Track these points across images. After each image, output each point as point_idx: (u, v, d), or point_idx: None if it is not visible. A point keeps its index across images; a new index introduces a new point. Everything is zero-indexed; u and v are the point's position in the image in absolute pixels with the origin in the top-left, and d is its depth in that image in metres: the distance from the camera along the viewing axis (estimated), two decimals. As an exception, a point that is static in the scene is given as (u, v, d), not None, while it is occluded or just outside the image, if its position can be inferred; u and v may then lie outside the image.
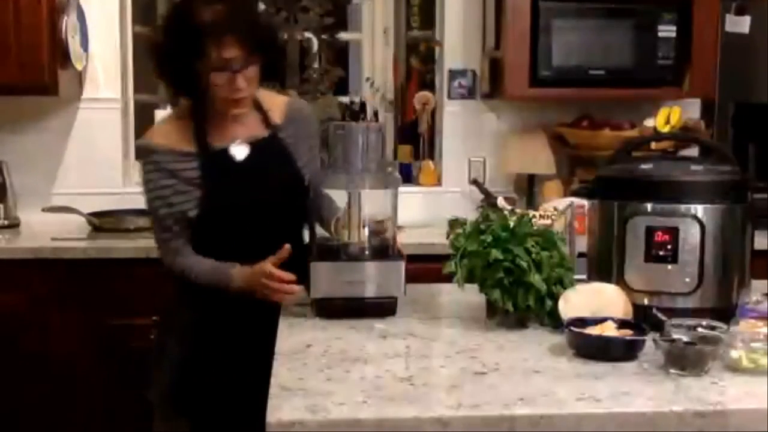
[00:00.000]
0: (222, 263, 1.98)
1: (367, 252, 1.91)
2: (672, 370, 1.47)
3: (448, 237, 1.89)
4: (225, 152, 2.02)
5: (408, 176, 3.55)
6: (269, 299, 1.91)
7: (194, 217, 1.98)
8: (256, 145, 2.04)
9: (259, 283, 1.90)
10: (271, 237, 1.95)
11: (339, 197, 1.97)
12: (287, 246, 1.89)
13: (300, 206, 2.02)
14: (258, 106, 2.07)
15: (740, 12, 3.24)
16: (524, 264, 1.72)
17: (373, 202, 1.93)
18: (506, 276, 1.72)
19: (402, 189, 2.00)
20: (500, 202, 2.15)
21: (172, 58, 1.95)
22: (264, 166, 2.04)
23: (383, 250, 1.92)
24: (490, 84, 3.41)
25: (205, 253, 2.01)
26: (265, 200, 2.02)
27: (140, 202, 3.29)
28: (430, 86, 3.70)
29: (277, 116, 2.10)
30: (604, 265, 1.83)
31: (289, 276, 1.88)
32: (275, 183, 2.04)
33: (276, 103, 2.13)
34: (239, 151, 2.03)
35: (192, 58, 1.90)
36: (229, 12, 1.91)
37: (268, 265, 1.89)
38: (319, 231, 2.00)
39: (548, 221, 2.08)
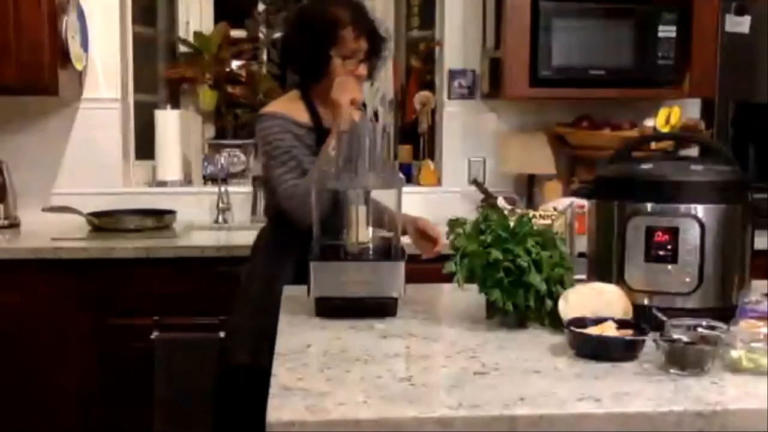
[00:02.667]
0: None
1: (368, 252, 1.91)
2: (672, 370, 1.47)
3: (448, 237, 1.89)
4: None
5: (408, 176, 3.56)
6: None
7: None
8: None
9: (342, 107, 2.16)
10: None
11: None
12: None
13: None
14: None
15: (740, 12, 3.24)
16: (524, 264, 1.72)
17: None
18: (506, 276, 1.72)
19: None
20: (500, 202, 2.15)
21: (307, 46, 2.28)
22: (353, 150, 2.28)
23: (384, 250, 1.92)
24: (490, 84, 3.41)
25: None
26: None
27: (140, 202, 3.33)
28: (430, 86, 3.70)
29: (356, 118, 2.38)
30: (604, 265, 1.83)
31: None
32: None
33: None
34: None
35: (326, 46, 2.26)
36: (361, 11, 2.32)
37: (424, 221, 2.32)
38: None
39: (548, 221, 2.08)
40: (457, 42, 3.51)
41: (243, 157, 3.57)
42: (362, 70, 2.32)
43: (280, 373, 1.47)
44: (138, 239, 2.94)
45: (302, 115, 2.32)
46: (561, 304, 1.73)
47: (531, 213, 2.08)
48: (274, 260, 2.34)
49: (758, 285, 1.81)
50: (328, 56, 2.27)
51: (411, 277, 1.90)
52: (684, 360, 1.47)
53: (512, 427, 1.29)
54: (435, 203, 3.40)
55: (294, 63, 2.42)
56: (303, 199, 2.06)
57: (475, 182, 3.44)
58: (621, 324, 1.62)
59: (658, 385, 1.42)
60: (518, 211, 2.09)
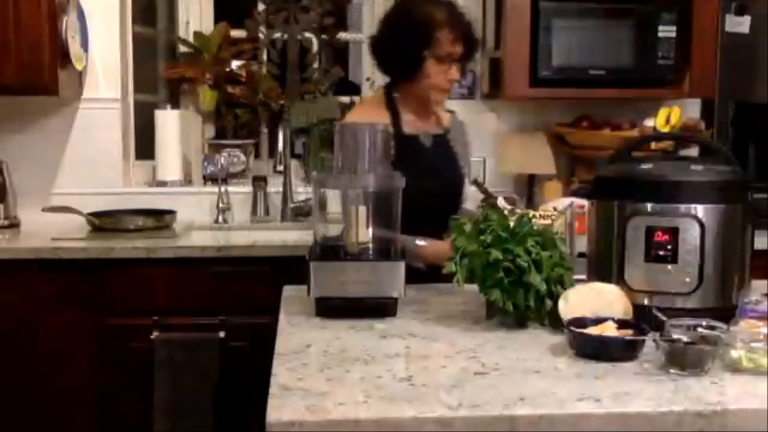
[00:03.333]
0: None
1: (368, 252, 1.91)
2: (672, 370, 1.47)
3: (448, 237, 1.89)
4: (416, 138, 2.36)
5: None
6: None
7: None
8: (435, 138, 2.40)
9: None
10: (431, 223, 2.17)
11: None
12: None
13: (455, 203, 2.36)
14: (431, 110, 2.41)
15: (740, 12, 3.23)
16: (524, 264, 1.72)
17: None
18: (506, 276, 1.72)
19: (402, 189, 2.00)
20: (500, 202, 2.14)
21: (400, 46, 2.28)
22: (443, 157, 2.41)
23: (384, 250, 1.92)
24: (490, 84, 3.41)
25: None
26: (442, 186, 2.34)
27: (140, 202, 3.33)
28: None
29: (445, 122, 2.47)
30: (604, 265, 1.83)
31: None
32: (450, 174, 2.41)
33: (443, 113, 2.47)
34: (426, 140, 2.39)
35: (420, 46, 2.25)
36: (458, 12, 2.31)
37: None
38: (321, 230, 2.00)
39: (548, 221, 2.08)
40: (457, 42, 3.51)
41: (243, 157, 3.57)
42: (454, 72, 2.31)
43: (280, 373, 1.47)
44: (138, 239, 2.93)
45: (381, 122, 2.28)
46: (561, 304, 1.73)
47: (531, 213, 2.08)
48: None
49: (758, 285, 1.81)
50: (422, 57, 2.26)
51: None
52: (684, 360, 1.47)
53: (512, 427, 1.29)
54: (435, 203, 3.40)
55: (385, 62, 2.39)
56: None
57: (475, 182, 3.43)
58: (621, 324, 1.62)
59: (658, 385, 1.42)
60: (518, 211, 2.09)
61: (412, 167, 2.18)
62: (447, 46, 2.27)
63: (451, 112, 2.55)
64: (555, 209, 2.13)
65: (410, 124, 2.37)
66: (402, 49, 2.29)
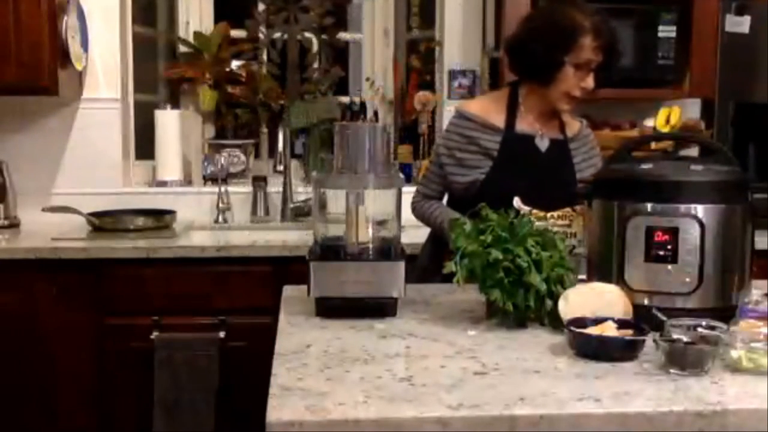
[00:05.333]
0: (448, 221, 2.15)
1: (368, 252, 1.91)
2: (672, 370, 1.47)
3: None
4: (530, 138, 2.35)
5: (408, 176, 3.55)
6: None
7: (478, 182, 2.29)
8: (553, 143, 2.36)
9: None
10: None
11: (342, 196, 1.97)
12: None
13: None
14: (557, 115, 2.39)
15: (740, 12, 3.23)
16: (524, 264, 1.72)
17: (377, 202, 1.95)
18: (506, 276, 1.72)
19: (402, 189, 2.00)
20: (516, 202, 2.13)
21: (542, 49, 2.25)
22: (556, 163, 2.35)
23: (384, 250, 1.92)
24: (490, 84, 3.40)
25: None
26: (545, 188, 2.25)
27: (140, 202, 3.33)
28: (430, 86, 3.70)
29: (570, 130, 2.42)
30: (604, 265, 1.83)
31: None
32: (559, 182, 2.29)
33: (571, 121, 2.45)
34: (542, 143, 2.35)
35: (562, 51, 2.23)
36: (602, 20, 2.25)
37: None
38: (321, 230, 2.00)
39: (566, 221, 2.08)
40: (457, 42, 3.51)
41: (243, 157, 3.57)
42: (590, 81, 2.27)
43: (280, 373, 1.47)
44: (138, 239, 2.94)
45: (497, 117, 2.34)
46: (561, 304, 1.73)
47: (549, 214, 2.08)
48: (427, 254, 2.49)
49: (758, 285, 1.81)
50: (561, 62, 2.24)
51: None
52: (684, 360, 1.47)
53: (512, 427, 1.29)
54: (435, 203, 3.40)
55: (521, 62, 2.36)
56: (420, 214, 2.44)
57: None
58: (621, 324, 1.62)
59: (658, 385, 1.42)
60: (534, 212, 2.09)
61: (517, 165, 2.30)
62: (588, 54, 2.22)
63: (581, 121, 2.50)
64: (573, 210, 2.13)
65: (528, 123, 2.35)
66: (542, 52, 2.25)
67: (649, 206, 1.75)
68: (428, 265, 2.42)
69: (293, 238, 2.95)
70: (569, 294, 1.74)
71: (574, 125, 2.45)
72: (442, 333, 1.76)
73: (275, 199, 3.45)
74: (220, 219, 3.38)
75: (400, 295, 1.87)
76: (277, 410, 1.30)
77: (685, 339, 1.52)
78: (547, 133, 2.37)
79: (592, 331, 1.59)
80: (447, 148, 2.36)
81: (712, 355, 1.48)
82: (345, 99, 3.74)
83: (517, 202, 2.15)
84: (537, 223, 1.89)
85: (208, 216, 3.41)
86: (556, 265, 1.77)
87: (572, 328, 1.60)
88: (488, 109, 2.38)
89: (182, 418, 2.77)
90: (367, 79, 3.81)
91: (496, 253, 1.72)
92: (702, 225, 1.72)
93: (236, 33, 3.67)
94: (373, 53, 3.84)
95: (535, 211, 2.08)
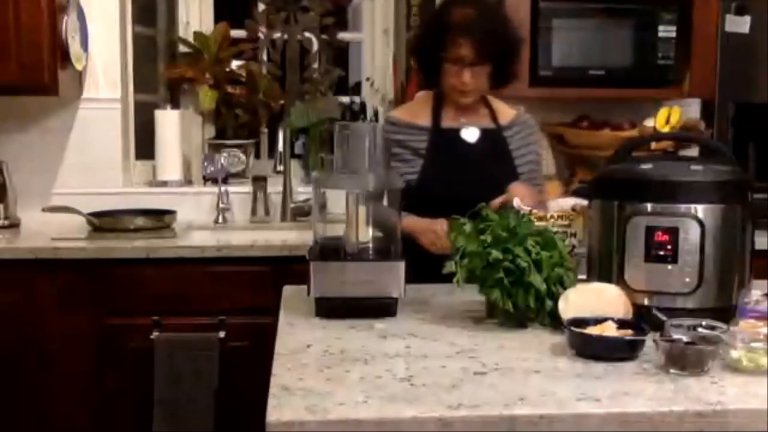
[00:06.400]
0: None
1: (368, 252, 1.91)
2: (672, 370, 1.47)
3: (447, 237, 1.89)
4: (455, 132, 2.39)
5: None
6: (423, 246, 2.24)
7: (414, 182, 2.30)
8: (484, 133, 2.40)
9: (426, 233, 2.24)
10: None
11: (342, 196, 1.98)
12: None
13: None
14: (487, 104, 2.45)
15: (740, 12, 3.23)
16: (524, 264, 1.72)
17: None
18: (506, 276, 1.72)
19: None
20: (516, 202, 2.14)
21: (424, 48, 2.39)
22: (489, 153, 2.38)
23: (384, 250, 1.92)
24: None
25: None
26: (482, 180, 2.28)
27: (140, 202, 3.33)
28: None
29: (503, 119, 2.45)
30: (604, 265, 1.83)
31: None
32: (494, 171, 2.35)
33: (505, 110, 2.49)
34: (470, 135, 2.40)
35: (438, 50, 2.30)
36: (473, 17, 2.29)
37: (444, 224, 2.07)
38: (321, 230, 2.00)
39: (566, 222, 2.08)
40: (457, 42, 3.50)
41: (243, 157, 3.57)
42: (467, 77, 2.31)
43: (280, 373, 1.47)
44: (138, 239, 2.93)
45: (424, 118, 2.41)
46: (561, 304, 1.73)
47: (549, 214, 2.08)
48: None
49: (758, 285, 1.81)
50: (440, 58, 2.31)
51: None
52: (684, 360, 1.47)
53: (512, 427, 1.29)
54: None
55: (418, 62, 2.50)
56: None
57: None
58: (621, 324, 1.62)
59: (658, 385, 1.42)
60: (534, 211, 2.09)
61: (447, 160, 2.35)
62: (459, 50, 2.28)
63: (519, 108, 2.54)
64: (574, 210, 2.13)
65: (452, 118, 2.41)
66: (424, 51, 2.40)
67: (649, 206, 1.75)
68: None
69: (293, 238, 2.95)
70: (569, 294, 1.74)
71: (508, 113, 2.48)
72: (442, 333, 1.76)
73: (275, 199, 3.45)
74: (220, 219, 3.38)
75: (400, 295, 1.87)
76: (277, 410, 1.30)
77: (685, 339, 1.52)
78: (477, 123, 2.41)
79: (592, 331, 1.59)
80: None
81: (712, 355, 1.48)
82: (345, 99, 3.74)
83: (517, 202, 2.15)
84: (537, 223, 1.89)
85: (208, 216, 3.41)
86: (556, 265, 1.77)
87: (572, 328, 1.60)
88: (414, 111, 2.46)
89: (182, 418, 2.77)
90: (367, 79, 3.81)
91: (496, 253, 1.72)
92: (702, 225, 1.72)
93: (236, 33, 3.67)
94: (373, 53, 3.84)
95: (535, 211, 2.08)
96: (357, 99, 3.75)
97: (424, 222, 2.27)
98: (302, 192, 3.46)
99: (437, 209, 2.22)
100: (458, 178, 2.33)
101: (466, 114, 2.42)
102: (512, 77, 2.43)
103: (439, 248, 2.16)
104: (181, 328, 2.79)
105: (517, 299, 1.73)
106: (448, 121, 2.41)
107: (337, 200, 2.06)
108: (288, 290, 2.12)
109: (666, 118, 3.20)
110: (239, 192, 3.46)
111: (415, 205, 2.25)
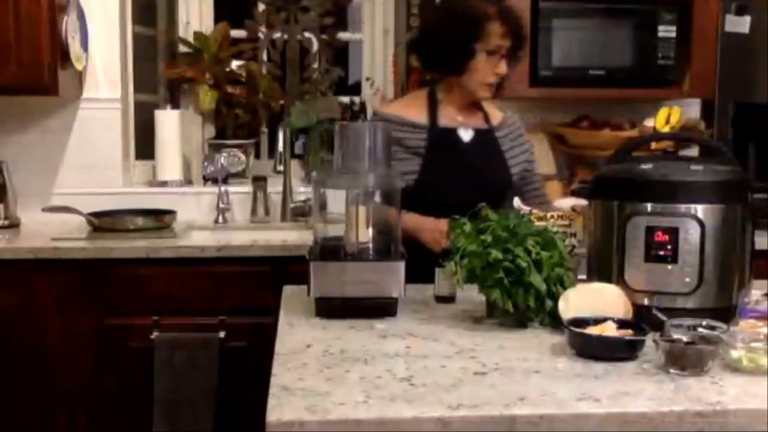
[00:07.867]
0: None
1: (368, 252, 1.91)
2: (672, 370, 1.47)
3: (448, 237, 1.89)
4: (452, 131, 2.38)
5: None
6: (426, 243, 2.22)
7: (411, 181, 2.27)
8: (478, 133, 2.40)
9: (431, 231, 2.22)
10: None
11: (342, 196, 1.98)
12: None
13: (497, 201, 2.16)
14: (480, 106, 2.44)
15: (740, 12, 3.23)
16: (524, 264, 1.72)
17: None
18: (506, 276, 1.72)
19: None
20: (516, 202, 2.14)
21: (448, 42, 2.30)
22: (484, 153, 2.40)
23: (384, 250, 1.92)
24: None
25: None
26: (478, 181, 2.31)
27: (140, 202, 3.33)
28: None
29: (494, 120, 2.46)
30: (604, 265, 1.83)
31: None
32: (490, 170, 2.38)
33: (494, 111, 2.50)
34: (465, 134, 2.39)
35: (471, 39, 2.27)
36: (507, 7, 2.32)
37: (445, 224, 2.02)
38: (321, 230, 2.00)
39: (566, 222, 2.08)
40: (457, 42, 3.50)
41: (243, 157, 3.57)
42: (503, 66, 2.32)
43: (280, 373, 1.47)
44: (138, 239, 2.93)
45: (417, 114, 2.38)
46: (561, 304, 1.73)
47: (550, 214, 2.08)
48: None
49: (758, 285, 1.81)
50: (473, 50, 2.28)
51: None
52: (684, 360, 1.47)
53: (512, 427, 1.29)
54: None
55: (431, 57, 2.41)
56: None
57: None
58: (621, 324, 1.62)
59: (658, 385, 1.42)
60: (534, 211, 2.09)
61: (446, 159, 2.34)
62: (497, 39, 2.28)
63: (504, 111, 2.54)
64: (574, 210, 2.13)
65: (449, 117, 2.40)
66: (452, 43, 2.30)
67: (649, 206, 1.75)
68: None
69: (293, 238, 2.95)
70: (569, 294, 1.74)
71: (497, 114, 2.50)
72: (442, 333, 1.76)
73: (275, 199, 3.45)
74: (220, 219, 3.38)
75: (400, 295, 1.87)
76: (277, 410, 1.30)
77: (685, 339, 1.52)
78: (471, 124, 2.41)
79: (592, 331, 1.59)
80: None
81: (712, 355, 1.48)
82: (345, 99, 3.74)
83: (517, 202, 2.15)
84: (537, 223, 1.89)
85: (208, 216, 3.41)
86: (556, 265, 1.77)
87: (572, 328, 1.60)
88: (408, 107, 2.42)
89: (182, 418, 2.77)
90: (367, 79, 3.81)
91: (496, 253, 1.72)
92: (702, 225, 1.72)
93: (236, 33, 3.67)
94: (373, 53, 3.84)
95: (535, 211, 2.08)
96: (357, 99, 3.75)
97: (429, 220, 2.27)
98: (302, 192, 3.46)
99: (437, 208, 2.22)
100: (457, 178, 2.33)
101: (462, 114, 2.42)
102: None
103: (443, 247, 2.14)
104: (181, 328, 2.79)
105: (517, 299, 1.73)
106: (444, 120, 2.40)
107: (337, 200, 2.06)
108: (288, 290, 2.12)
109: (666, 118, 3.20)
110: (239, 192, 3.46)
111: (413, 204, 2.23)
